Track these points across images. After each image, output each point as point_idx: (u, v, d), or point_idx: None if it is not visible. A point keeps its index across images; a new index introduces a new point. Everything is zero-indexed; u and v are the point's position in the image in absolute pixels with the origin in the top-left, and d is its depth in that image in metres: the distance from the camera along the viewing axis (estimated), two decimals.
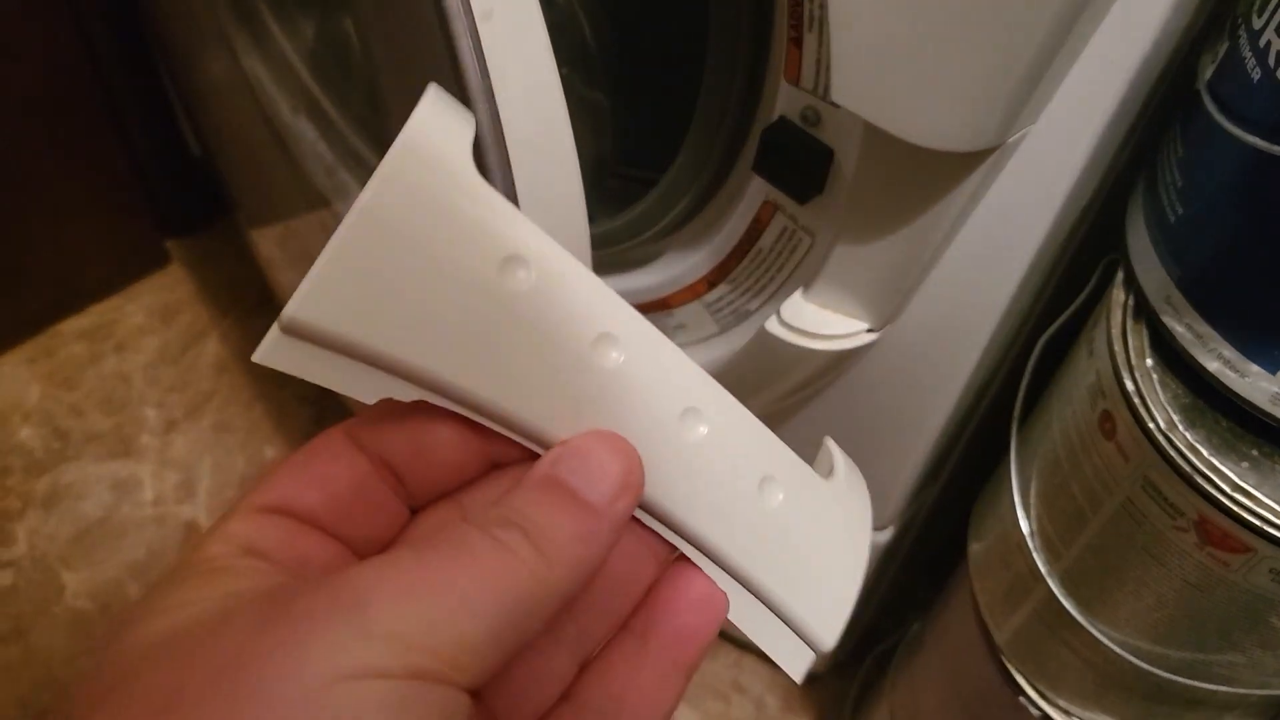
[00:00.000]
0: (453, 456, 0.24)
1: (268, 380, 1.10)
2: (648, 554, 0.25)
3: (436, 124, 0.22)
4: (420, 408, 0.23)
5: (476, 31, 0.33)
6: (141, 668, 0.18)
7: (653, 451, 0.24)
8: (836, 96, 0.41)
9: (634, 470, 0.23)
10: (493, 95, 0.34)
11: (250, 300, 1.14)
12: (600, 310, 0.23)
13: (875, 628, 0.90)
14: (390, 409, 0.23)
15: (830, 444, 0.29)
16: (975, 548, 0.61)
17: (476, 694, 0.20)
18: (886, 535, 0.68)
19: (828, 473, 0.28)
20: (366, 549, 0.24)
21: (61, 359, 1.10)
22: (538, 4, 0.34)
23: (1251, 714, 0.53)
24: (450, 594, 0.19)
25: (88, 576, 0.96)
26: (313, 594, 0.19)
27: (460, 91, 0.33)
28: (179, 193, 1.14)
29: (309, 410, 1.08)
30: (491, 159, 0.35)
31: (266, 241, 0.81)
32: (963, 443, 0.66)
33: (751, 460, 0.25)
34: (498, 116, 0.34)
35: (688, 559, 0.25)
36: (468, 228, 0.22)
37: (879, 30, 0.38)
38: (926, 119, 0.39)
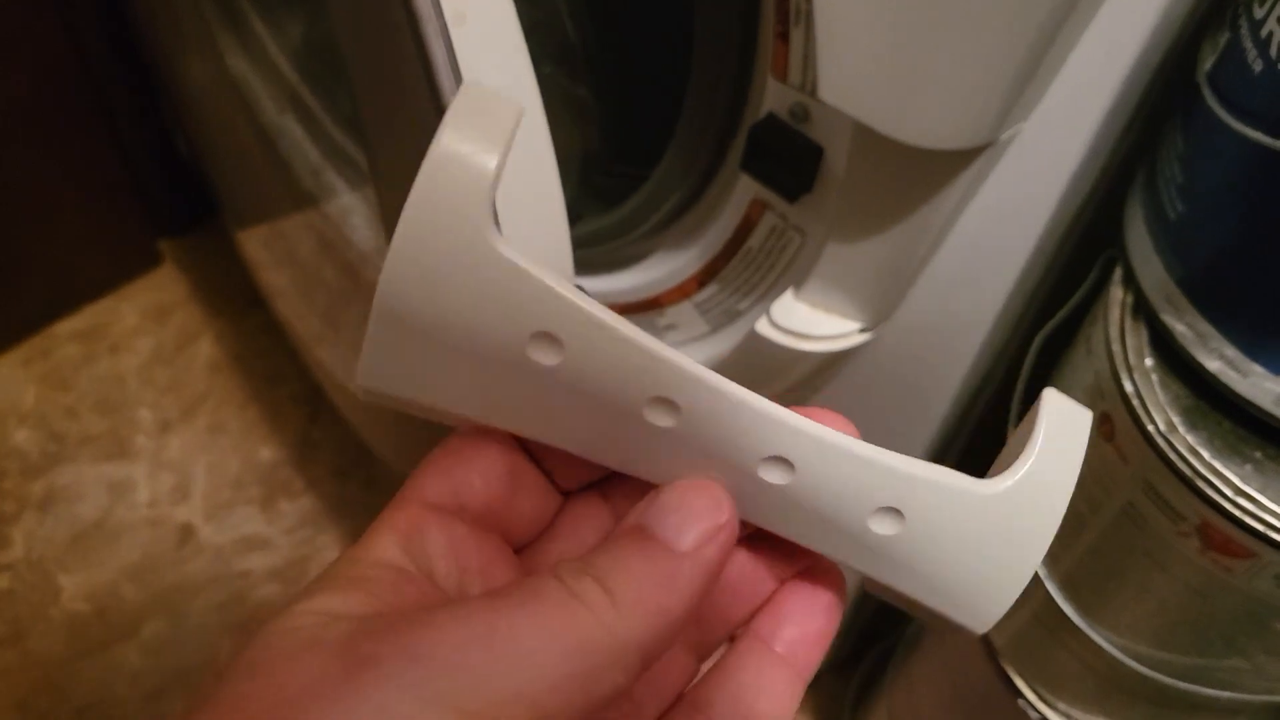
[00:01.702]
0: None
1: (261, 380, 1.10)
2: (766, 573, 0.25)
3: (451, 176, 0.20)
4: None
5: (449, 36, 0.32)
6: (251, 672, 0.19)
7: (739, 497, 0.24)
8: (824, 94, 0.40)
9: (723, 514, 0.23)
10: None
11: (243, 300, 1.13)
12: (649, 373, 0.22)
13: (874, 625, 0.89)
14: None
15: (1048, 400, 0.25)
16: None
17: None
18: None
19: (1020, 448, 0.24)
20: (525, 539, 0.25)
21: (56, 360, 1.09)
22: (512, 6, 0.33)
23: (1260, 716, 0.52)
24: (512, 645, 0.19)
25: (84, 579, 0.95)
26: (379, 641, 0.19)
27: (434, 99, 0.32)
28: (171, 192, 1.13)
29: (303, 409, 1.07)
30: None
31: (252, 242, 0.80)
32: (962, 439, 0.65)
33: (854, 497, 0.24)
34: None
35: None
36: (488, 303, 0.21)
37: (866, 26, 0.37)
38: (916, 117, 0.38)
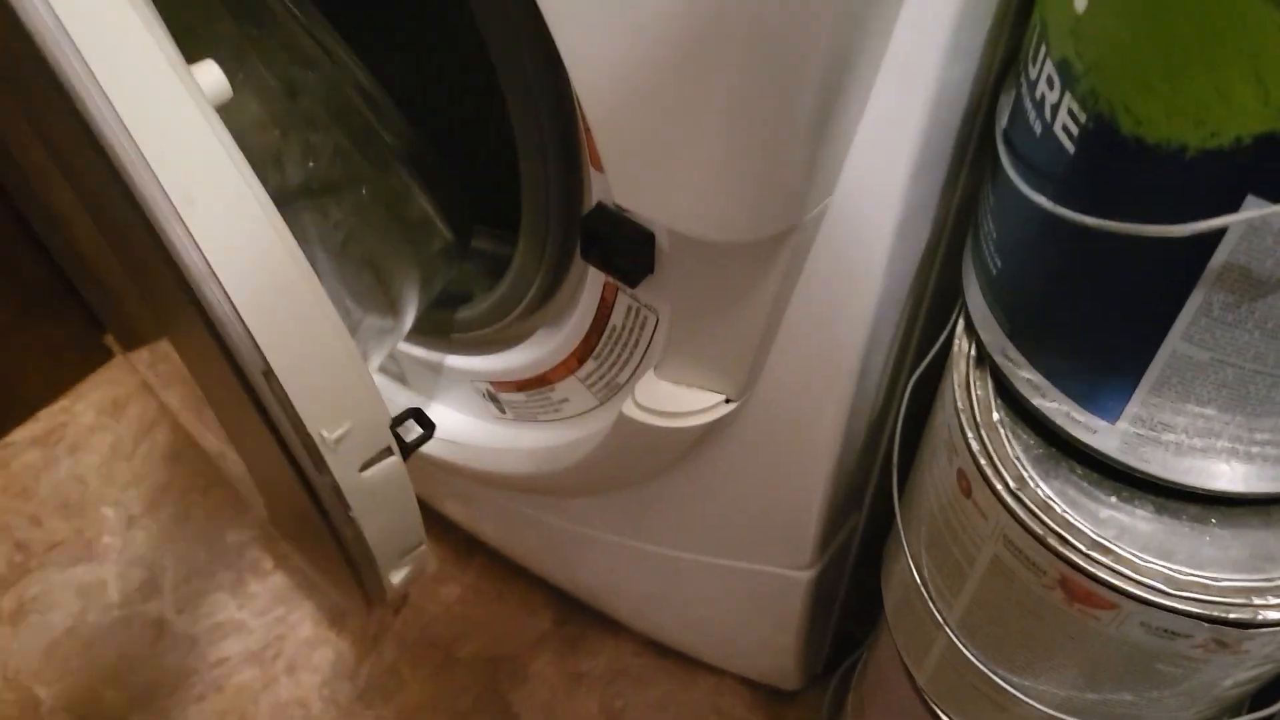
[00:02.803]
0: None
1: None
2: None
3: None
4: None
5: (183, 219, 0.31)
6: None
7: None
8: (618, 197, 0.39)
9: None
10: (217, 277, 0.32)
11: None
12: None
13: (848, 631, 0.88)
14: None
15: None
16: (887, 588, 0.59)
17: None
18: (811, 573, 0.67)
19: None
20: None
21: (15, 470, 1.10)
22: (240, 169, 0.32)
23: None
24: None
25: (62, 689, 0.96)
26: None
27: (179, 280, 0.32)
28: None
29: None
30: (237, 339, 0.34)
31: (141, 365, 0.81)
32: (875, 473, 0.64)
33: None
34: (230, 297, 0.33)
35: None
36: None
37: (637, 132, 0.36)
38: (706, 216, 0.38)
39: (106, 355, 1.17)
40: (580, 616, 1.00)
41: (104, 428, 1.13)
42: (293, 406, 0.35)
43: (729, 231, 0.38)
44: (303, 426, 0.35)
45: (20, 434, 1.12)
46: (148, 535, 1.06)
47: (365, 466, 0.39)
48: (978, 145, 0.44)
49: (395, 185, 0.49)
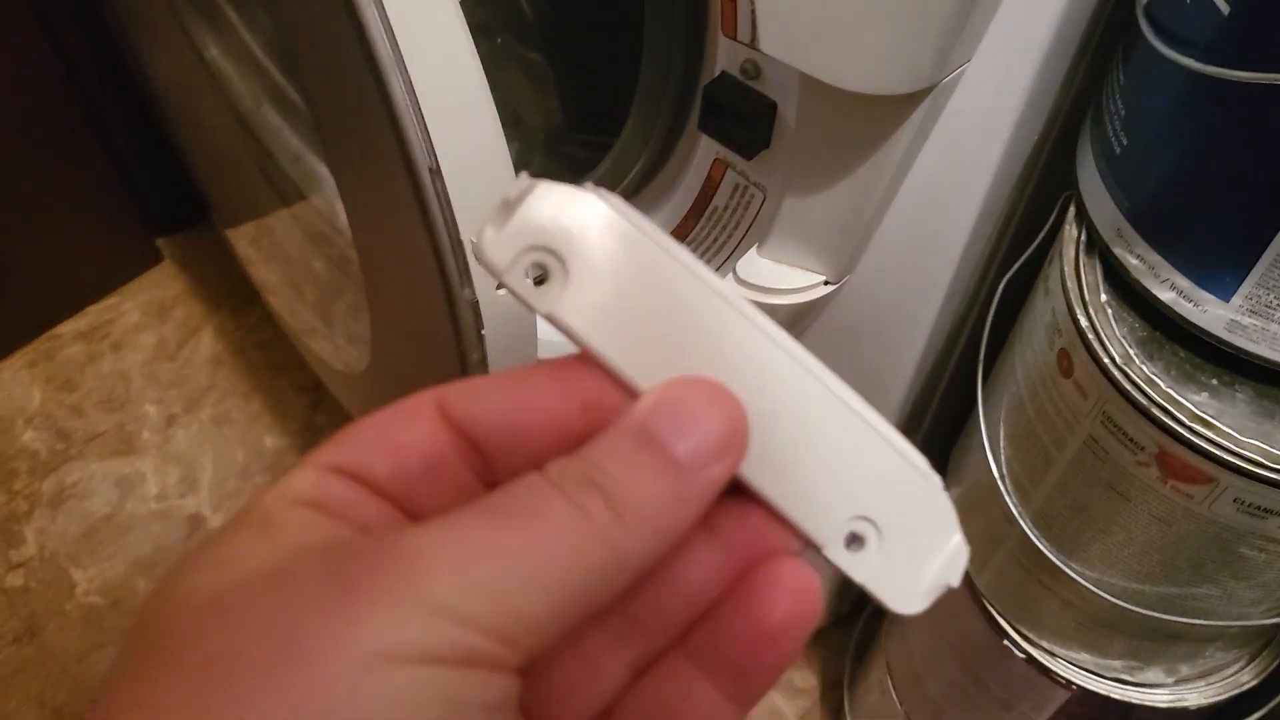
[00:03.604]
0: (545, 440, 0.21)
1: (264, 370, 1.11)
2: (725, 554, 0.21)
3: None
4: (516, 380, 0.22)
5: (382, 3, 0.33)
6: (191, 630, 0.18)
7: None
8: (765, 46, 0.40)
9: (738, 430, 0.20)
10: (405, 65, 0.33)
11: (243, 293, 1.15)
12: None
13: None
14: (485, 379, 0.22)
15: None
16: (953, 492, 0.60)
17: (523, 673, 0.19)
18: None
19: None
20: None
21: (60, 361, 1.11)
22: None
23: (1235, 644, 0.53)
24: (517, 563, 0.18)
25: (97, 573, 0.97)
26: (369, 557, 0.18)
27: (370, 64, 0.33)
28: (165, 191, 1.14)
29: (306, 397, 1.09)
30: (410, 129, 0.35)
31: (241, 240, 0.82)
32: (942, 385, 0.65)
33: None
34: (413, 87, 0.34)
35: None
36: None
37: None
38: (855, 63, 0.39)
39: (155, 258, 1.18)
40: None
41: (149, 328, 1.14)
42: (450, 207, 0.36)
43: (873, 82, 0.39)
44: (456, 228, 0.37)
45: (67, 327, 1.13)
46: (187, 434, 1.07)
47: (500, 286, 0.40)
48: (1100, 38, 0.45)
49: (527, 52, 0.50)
